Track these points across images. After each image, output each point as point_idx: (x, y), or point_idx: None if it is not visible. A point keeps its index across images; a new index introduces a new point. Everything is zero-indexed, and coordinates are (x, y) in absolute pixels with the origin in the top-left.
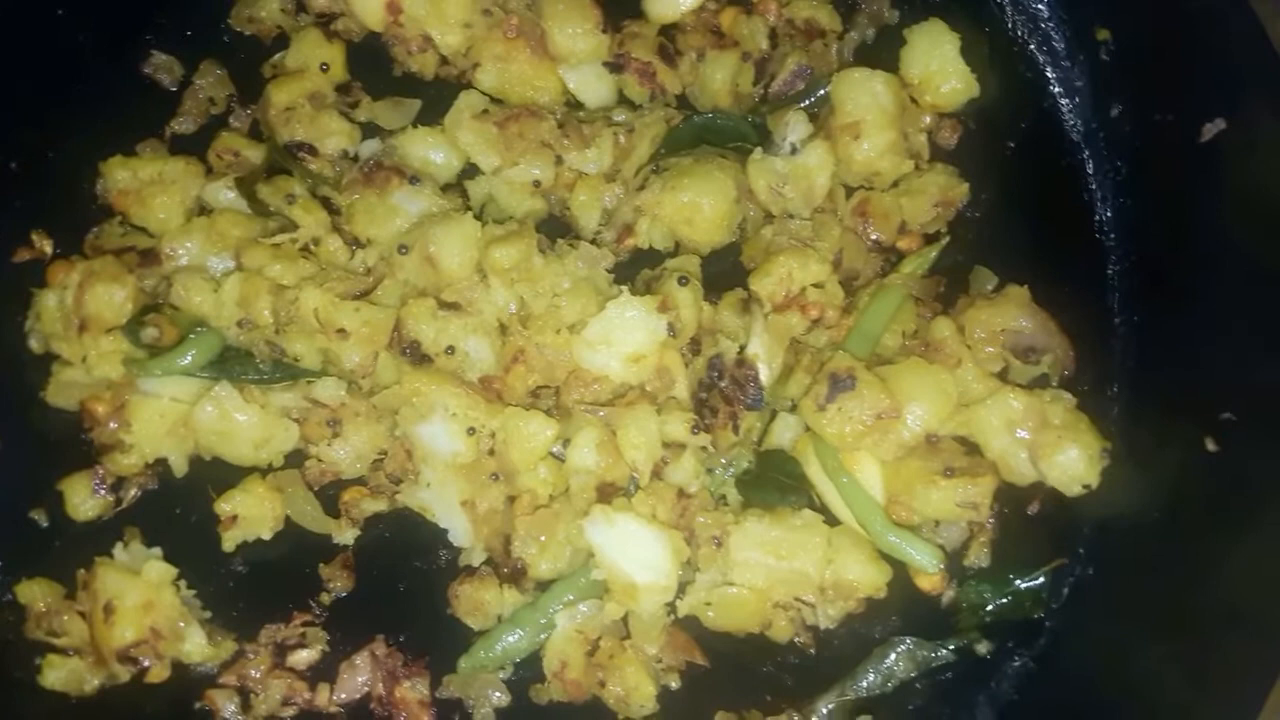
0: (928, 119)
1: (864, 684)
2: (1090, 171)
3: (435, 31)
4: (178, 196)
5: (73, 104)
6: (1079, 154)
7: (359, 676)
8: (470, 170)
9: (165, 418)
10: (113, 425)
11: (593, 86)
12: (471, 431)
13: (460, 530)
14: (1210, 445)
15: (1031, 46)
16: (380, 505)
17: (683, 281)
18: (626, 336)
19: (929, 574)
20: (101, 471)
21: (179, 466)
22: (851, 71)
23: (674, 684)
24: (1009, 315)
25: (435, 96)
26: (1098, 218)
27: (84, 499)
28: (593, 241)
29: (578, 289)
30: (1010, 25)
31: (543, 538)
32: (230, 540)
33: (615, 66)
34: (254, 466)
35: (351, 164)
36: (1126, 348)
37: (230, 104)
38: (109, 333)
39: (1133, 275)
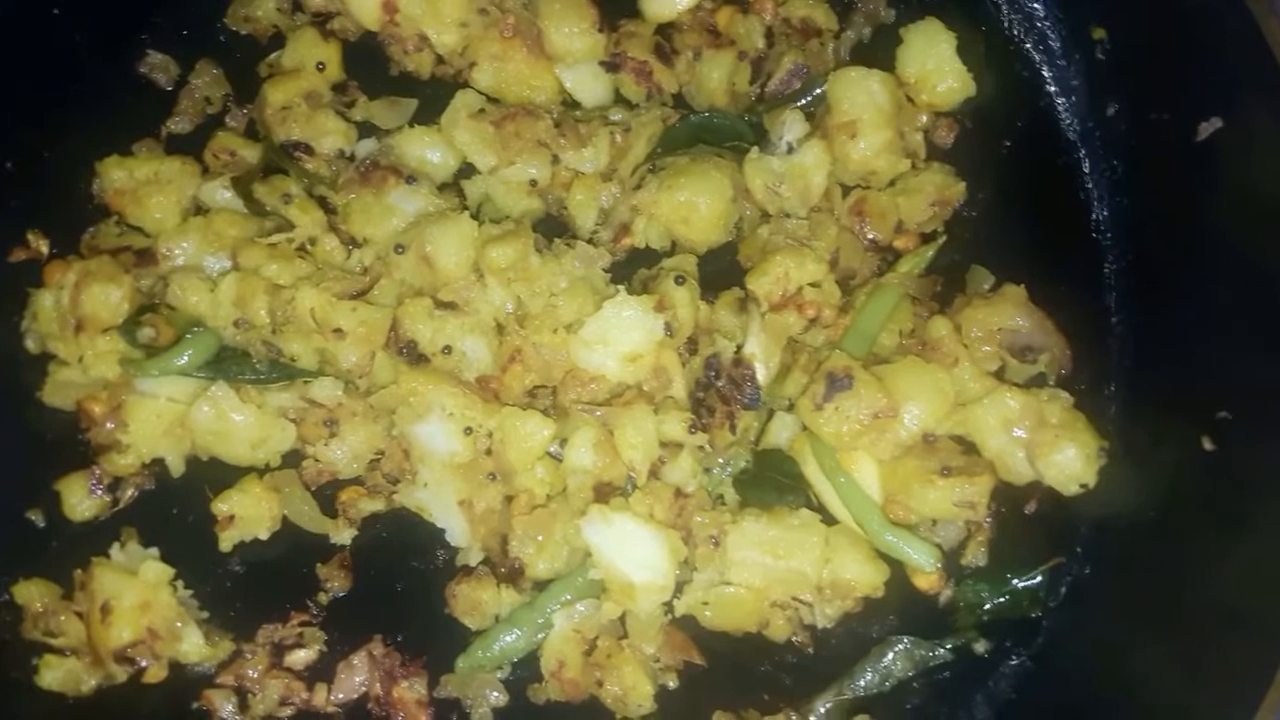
0: (924, 118)
1: (862, 683)
2: (1086, 170)
3: (431, 31)
4: (174, 196)
5: (69, 104)
6: (1075, 153)
7: (357, 676)
8: (467, 169)
9: (162, 418)
10: (109, 425)
11: (589, 86)
12: (469, 431)
13: (457, 530)
14: (1207, 444)
15: (1027, 45)
16: (377, 505)
17: (679, 281)
18: (623, 336)
19: (926, 573)
20: (98, 471)
21: (176, 466)
22: (848, 70)
23: (671, 683)
24: (1006, 314)
25: (432, 96)
26: (1094, 217)
27: (81, 499)
28: (589, 241)
29: (574, 288)
30: (1006, 24)
31: (540, 537)
32: (227, 540)
33: (612, 66)
34: (251, 466)
35: (348, 163)
36: (1123, 347)
37: (226, 103)
38: (105, 333)
39: (1129, 274)
